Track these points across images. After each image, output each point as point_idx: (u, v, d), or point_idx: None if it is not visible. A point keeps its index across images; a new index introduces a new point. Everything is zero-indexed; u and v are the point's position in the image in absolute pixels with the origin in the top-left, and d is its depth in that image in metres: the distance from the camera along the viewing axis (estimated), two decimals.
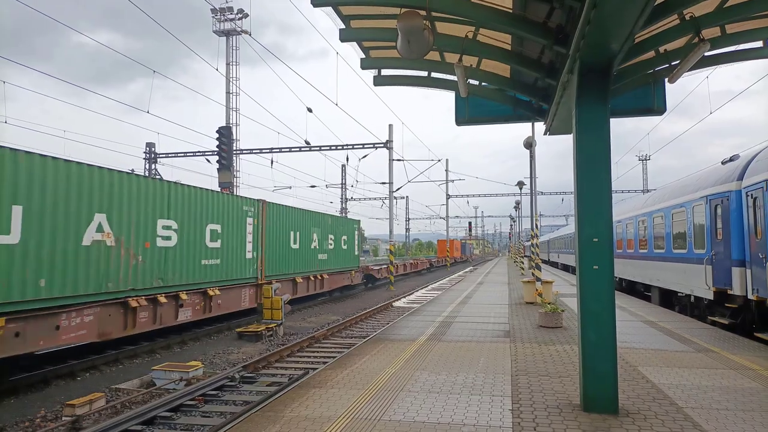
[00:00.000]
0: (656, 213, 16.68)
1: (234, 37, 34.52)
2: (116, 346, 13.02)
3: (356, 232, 29.91)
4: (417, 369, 7.90)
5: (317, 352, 13.44)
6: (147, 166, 37.09)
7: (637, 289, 19.65)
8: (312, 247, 23.26)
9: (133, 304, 12.52)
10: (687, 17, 6.35)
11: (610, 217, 5.84)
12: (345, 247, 27.93)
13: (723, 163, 13.09)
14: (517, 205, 48.12)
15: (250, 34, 27.69)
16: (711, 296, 12.16)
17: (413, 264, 49.30)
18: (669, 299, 15.92)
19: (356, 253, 29.93)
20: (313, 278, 23.39)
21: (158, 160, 37.33)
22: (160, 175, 37.64)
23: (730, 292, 11.32)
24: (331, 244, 25.75)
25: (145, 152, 37.09)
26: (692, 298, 13.71)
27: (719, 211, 12.02)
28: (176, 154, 37.22)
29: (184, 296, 14.38)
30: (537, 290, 16.54)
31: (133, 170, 37.89)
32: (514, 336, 10.73)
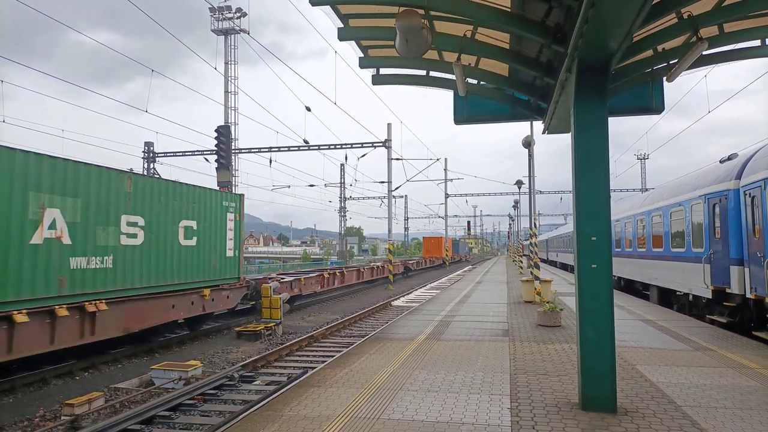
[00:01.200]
0: (654, 212, 16.70)
1: (232, 36, 34.47)
2: (115, 346, 13.00)
3: (230, 215, 16.67)
4: (416, 368, 7.90)
5: (316, 351, 13.45)
6: (145, 165, 37.05)
7: (635, 288, 19.66)
8: (34, 240, 10.31)
9: None
10: (685, 16, 6.35)
11: (609, 216, 5.84)
12: (192, 242, 14.78)
13: (721, 161, 13.10)
14: (516, 204, 48.16)
15: (248, 33, 27.66)
16: (709, 295, 12.18)
17: (377, 269, 36.40)
18: (667, 298, 15.93)
19: (231, 254, 16.78)
20: (26, 318, 9.75)
21: (156, 159, 37.29)
22: (158, 174, 37.62)
23: (728, 290, 11.34)
24: (133, 238, 12.65)
25: (143, 151, 37.05)
26: (690, 297, 13.73)
27: (717, 209, 12.03)
28: (175, 154, 37.20)
29: None
30: (536, 289, 16.56)
31: (131, 169, 37.90)
32: (513, 335, 10.74)
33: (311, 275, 24.94)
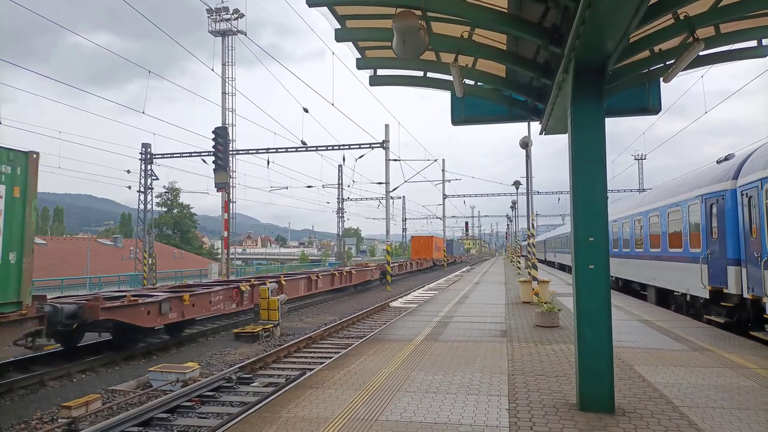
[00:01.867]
0: (652, 212, 16.73)
1: (230, 37, 34.45)
2: (112, 347, 12.96)
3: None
4: (414, 369, 7.90)
5: (314, 352, 13.43)
6: (143, 167, 36.99)
7: (633, 288, 19.69)
8: None
9: None
10: (681, 17, 6.37)
11: (606, 217, 5.85)
12: None
13: (718, 162, 13.13)
14: (514, 205, 48.19)
15: (245, 35, 27.63)
16: (707, 295, 12.20)
17: (343, 275, 27.98)
18: (665, 298, 15.96)
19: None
20: None
21: (154, 160, 37.23)
22: (156, 175, 37.58)
23: (725, 290, 11.35)
24: None
25: (140, 153, 36.99)
26: (688, 297, 13.75)
27: (714, 210, 12.05)
28: (172, 155, 37.12)
29: None
30: (534, 290, 16.57)
31: (128, 171, 37.83)
32: (511, 335, 10.74)
33: (211, 290, 16.01)
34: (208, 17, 34.25)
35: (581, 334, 5.80)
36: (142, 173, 37.13)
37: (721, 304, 11.71)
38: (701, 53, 7.12)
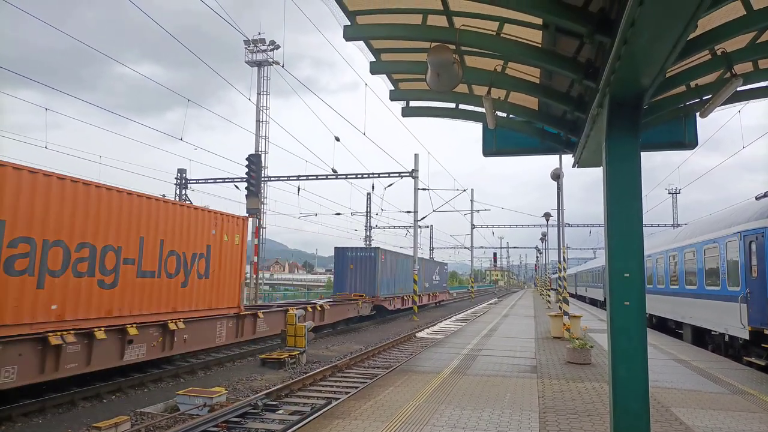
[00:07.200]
0: (688, 248, 16.30)
1: (265, 67, 35.45)
2: (141, 369, 13.13)
3: None
4: (442, 403, 7.77)
5: (340, 381, 13.34)
6: (177, 191, 37.92)
7: (668, 326, 19.09)
8: None
9: None
10: (719, 53, 6.32)
11: (642, 252, 5.73)
12: None
13: (757, 198, 12.81)
14: (544, 237, 47.54)
15: (282, 66, 28.42)
16: (746, 335, 11.74)
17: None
18: (702, 337, 15.41)
19: None
20: None
21: (188, 185, 38.15)
22: (189, 200, 38.43)
23: (766, 332, 10.92)
24: None
25: (176, 177, 37.98)
26: (726, 337, 13.26)
27: (754, 247, 11.69)
28: (206, 180, 38.01)
29: None
30: (565, 325, 16.21)
31: (164, 195, 38.81)
32: (542, 372, 10.50)
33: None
34: (245, 48, 35.39)
35: (616, 373, 5.63)
36: (177, 197, 38.04)
37: (762, 345, 11.26)
38: (739, 89, 7.02)
